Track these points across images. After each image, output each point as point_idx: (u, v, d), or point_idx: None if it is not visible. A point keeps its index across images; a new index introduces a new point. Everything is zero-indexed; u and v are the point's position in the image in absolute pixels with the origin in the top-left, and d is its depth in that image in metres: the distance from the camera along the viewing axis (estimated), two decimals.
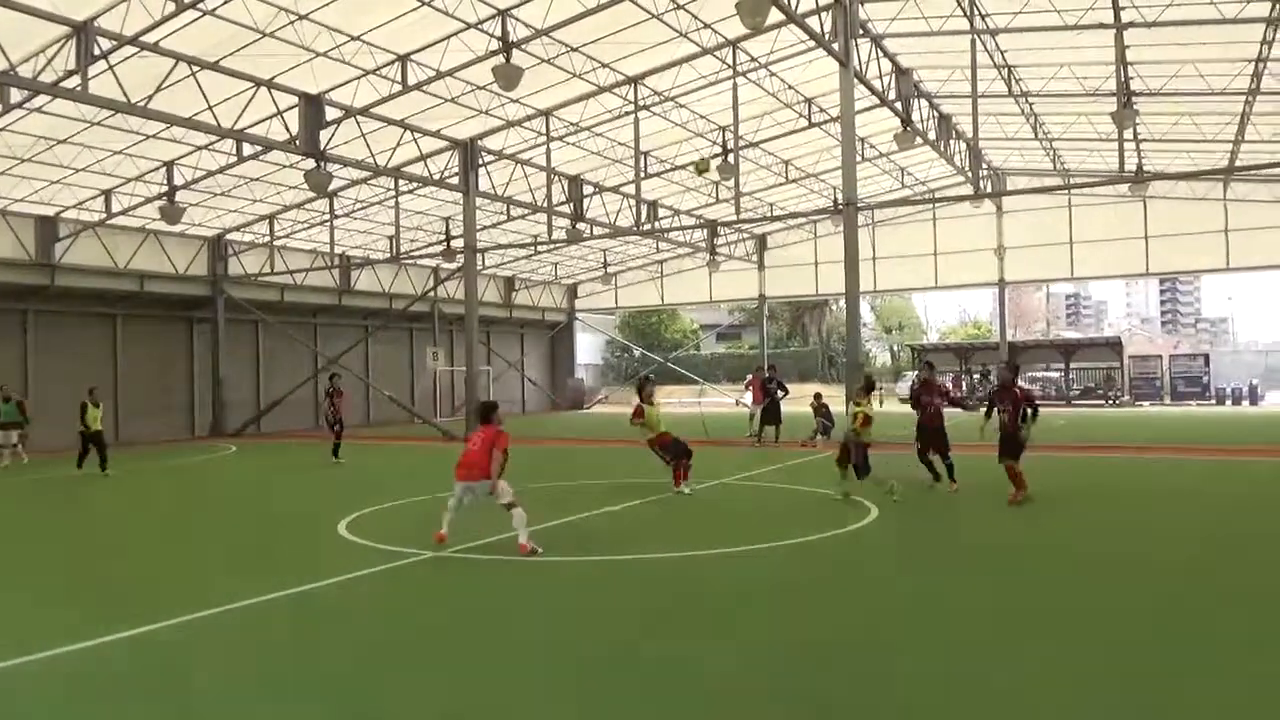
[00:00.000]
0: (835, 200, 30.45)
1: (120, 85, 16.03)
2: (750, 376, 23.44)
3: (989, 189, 32.78)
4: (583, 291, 46.27)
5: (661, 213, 32.93)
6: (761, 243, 41.23)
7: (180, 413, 29.56)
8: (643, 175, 26.43)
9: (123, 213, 25.27)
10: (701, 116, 25.10)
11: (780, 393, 21.63)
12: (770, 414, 21.14)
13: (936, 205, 36.40)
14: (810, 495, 12.77)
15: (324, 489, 15.53)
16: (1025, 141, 30.60)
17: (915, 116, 23.99)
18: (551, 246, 35.24)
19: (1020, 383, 11.96)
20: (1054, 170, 33.87)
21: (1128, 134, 24.18)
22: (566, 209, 28.24)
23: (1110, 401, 37.33)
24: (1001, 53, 22.51)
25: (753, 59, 21.92)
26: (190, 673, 5.70)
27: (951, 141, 28.21)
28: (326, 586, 7.85)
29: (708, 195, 32.36)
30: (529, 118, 23.61)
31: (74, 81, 15.51)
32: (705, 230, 35.31)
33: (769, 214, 34.82)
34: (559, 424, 32.68)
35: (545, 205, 26.57)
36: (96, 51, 15.48)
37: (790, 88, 24.19)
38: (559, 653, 5.90)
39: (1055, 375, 40.78)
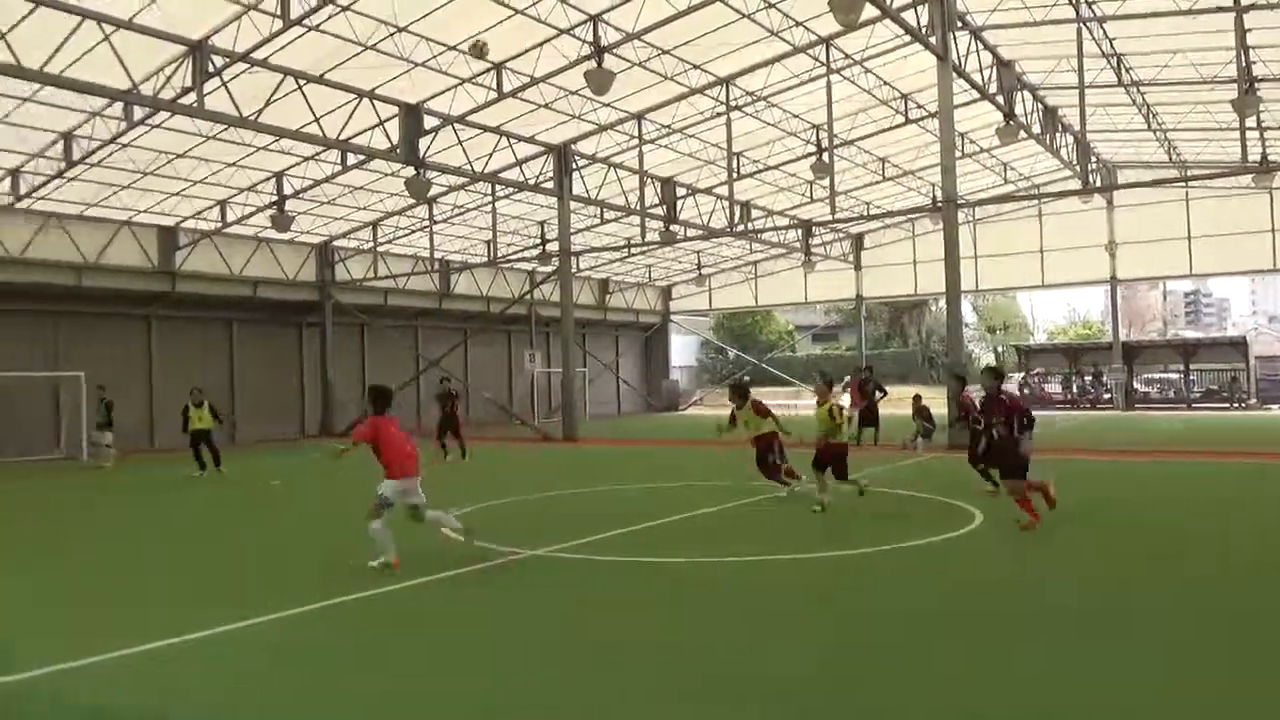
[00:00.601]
0: (934, 198, 29.67)
1: (233, 100, 16.85)
2: (848, 378, 23.05)
3: (1098, 183, 31.43)
4: (677, 293, 46.30)
5: (755, 213, 32.71)
6: (858, 242, 40.51)
7: (291, 413, 30.79)
8: (735, 176, 26.33)
9: (237, 222, 26.51)
10: (794, 115, 24.83)
11: (878, 394, 21.19)
12: (868, 416, 20.73)
13: (1042, 201, 35.12)
14: (910, 499, 12.47)
15: (426, 487, 15.90)
16: (1137, 133, 29.22)
17: (1018, 110, 23.20)
18: (645, 249, 35.38)
19: (1007, 389, 10.20)
20: (1169, 162, 32.23)
21: (1250, 122, 22.82)
22: (660, 211, 28.32)
23: (1236, 404, 35.30)
24: (1110, 40, 21.56)
25: (847, 56, 21.57)
26: (329, 652, 5.95)
27: (1057, 134, 27.16)
28: (430, 583, 8.05)
29: (802, 195, 31.99)
30: (621, 121, 23.78)
31: (191, 98, 16.36)
32: (799, 230, 34.89)
33: (865, 213, 34.20)
34: (654, 425, 32.78)
35: (638, 208, 26.70)
36: (211, 69, 16.30)
37: (886, 84, 23.72)
38: (662, 654, 5.91)
39: (1175, 377, 38.83)
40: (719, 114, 23.40)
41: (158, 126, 19.33)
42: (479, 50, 14.51)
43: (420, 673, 5.62)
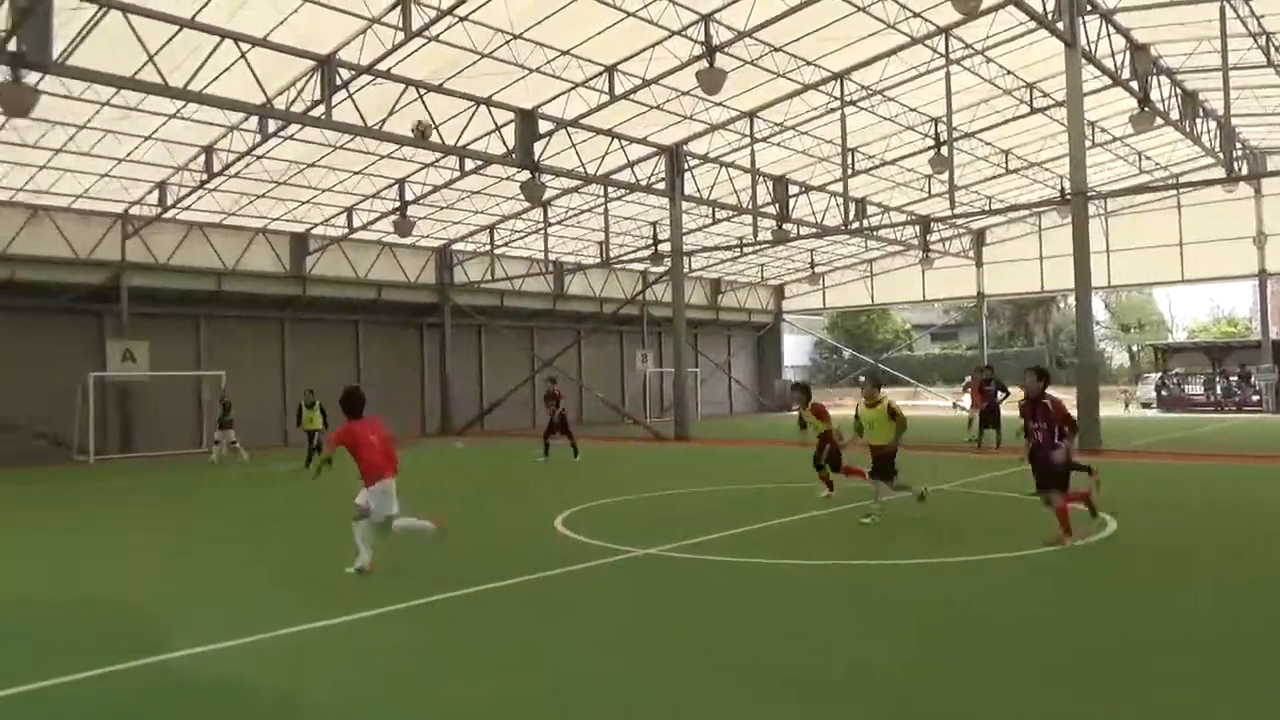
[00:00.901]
0: (1062, 190, 28.33)
1: (359, 111, 17.57)
2: (969, 378, 22.29)
3: (1244, 170, 29.42)
4: (790, 292, 45.75)
5: (870, 210, 32.00)
6: (979, 238, 39.10)
7: (413, 411, 31.85)
8: (850, 172, 25.82)
9: (362, 227, 27.61)
10: (911, 109, 24.17)
11: (1000, 395, 20.41)
12: (989, 418, 20.00)
13: (1181, 191, 33.11)
14: (1036, 504, 11.95)
15: (540, 484, 16.21)
16: None
17: (1154, 95, 21.96)
18: (757, 248, 35.09)
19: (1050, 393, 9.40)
20: None
21: None
22: (772, 210, 28.04)
23: None
24: (1257, 19, 20.13)
25: (967, 45, 20.84)
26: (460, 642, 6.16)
27: (1198, 120, 25.58)
28: (548, 578, 8.22)
29: (920, 190, 31.12)
30: (732, 120, 23.64)
31: (320, 110, 17.13)
32: (917, 227, 33.95)
33: (987, 207, 33.00)
34: (766, 425, 32.48)
35: (750, 207, 26.51)
36: (338, 81, 17.03)
37: (1009, 73, 22.81)
38: (766, 655, 5.85)
39: None
40: (832, 110, 22.99)
41: (289, 138, 20.33)
42: (421, 131, 13.91)
43: (529, 665, 5.71)
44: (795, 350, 51.42)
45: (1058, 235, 32.29)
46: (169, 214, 24.17)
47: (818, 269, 41.58)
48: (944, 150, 23.71)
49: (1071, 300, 27.19)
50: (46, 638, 6.80)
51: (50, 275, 23.43)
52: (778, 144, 25.40)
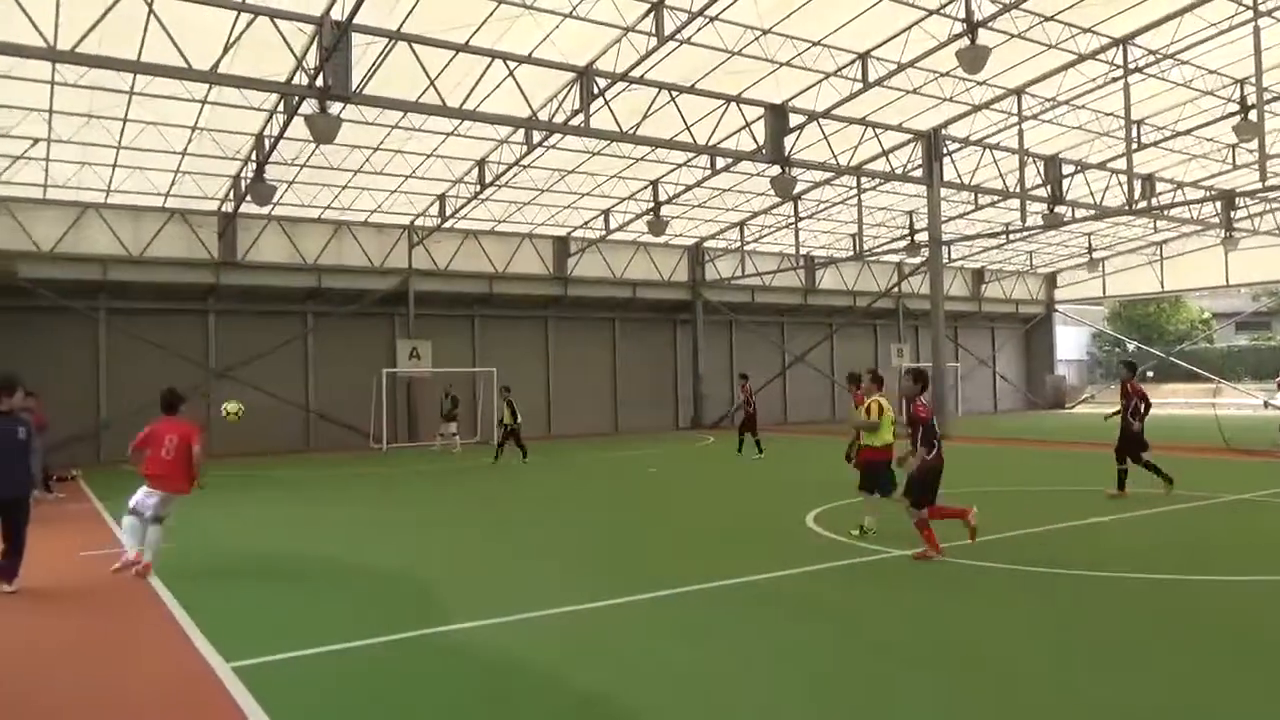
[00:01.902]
0: None
1: (614, 117, 18.25)
2: None
3: None
4: (1063, 280, 42.33)
5: (1160, 187, 28.85)
6: None
7: (666, 406, 32.71)
8: (1135, 147, 23.40)
9: (618, 229, 28.69)
10: (1210, 71, 21.47)
11: None
12: None
13: None
14: None
15: (791, 479, 16.06)
16: None
17: None
18: (1026, 234, 32.78)
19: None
20: None
21: None
22: (1043, 192, 26.05)
23: None
24: None
25: None
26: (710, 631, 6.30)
27: None
28: (798, 575, 8.20)
29: (1222, 162, 27.62)
30: (997, 99, 22.16)
31: (579, 119, 17.97)
32: (1219, 203, 30.16)
33: None
34: (1033, 424, 30.25)
35: (1018, 190, 24.75)
36: (595, 90, 17.78)
37: None
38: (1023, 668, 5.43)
39: None
40: (1114, 79, 20.91)
41: (552, 147, 21.50)
42: (233, 414, 11.02)
43: (783, 659, 5.64)
44: (1069, 343, 47.50)
45: None
46: (448, 224, 26.39)
47: (1096, 254, 38.13)
48: (1252, 115, 20.90)
49: None
50: (364, 601, 7.62)
51: (351, 283, 26.42)
52: (1049, 121, 23.52)
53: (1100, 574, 7.97)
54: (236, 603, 7.81)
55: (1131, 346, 46.95)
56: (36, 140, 18.68)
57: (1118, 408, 12.79)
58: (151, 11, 13.54)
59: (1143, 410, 12.47)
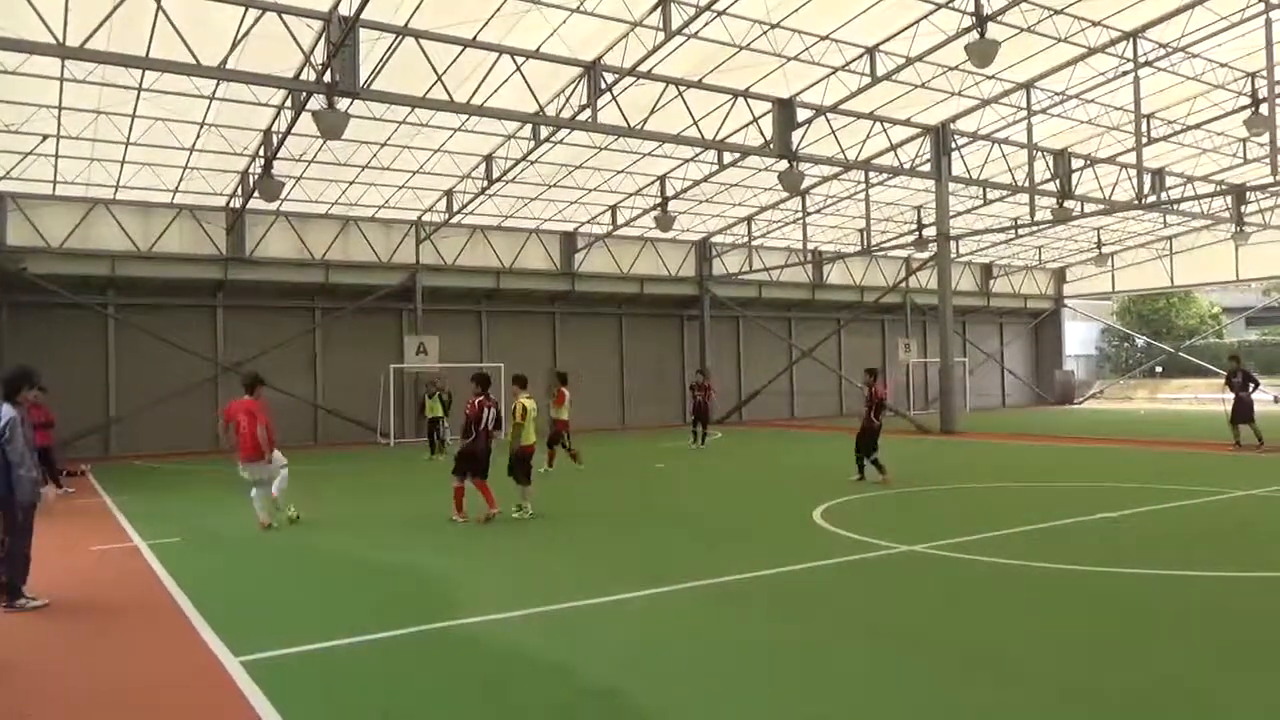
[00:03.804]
0: None
1: (622, 112, 18.23)
2: None
3: None
4: (1071, 275, 42.17)
5: (1170, 181, 28.71)
6: None
7: (673, 401, 32.68)
8: (1145, 141, 23.30)
9: (625, 224, 28.66)
10: (1222, 65, 21.34)
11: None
12: None
13: None
14: None
15: (795, 475, 16.06)
16: None
17: None
18: (1035, 229, 32.62)
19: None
20: None
21: None
22: (1052, 186, 25.93)
23: None
24: None
25: None
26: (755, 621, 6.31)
27: None
28: (810, 569, 8.21)
29: (1233, 156, 27.47)
30: (1006, 93, 22.06)
31: (586, 114, 17.94)
32: (1229, 197, 29.99)
33: None
34: (1042, 420, 30.16)
35: (1027, 185, 24.65)
36: (603, 85, 17.75)
37: None
38: (1025, 663, 5.42)
39: None
40: (1124, 73, 20.79)
41: (559, 143, 21.47)
42: None
43: (796, 656, 5.64)
44: (1078, 338, 47.29)
45: None
46: (455, 219, 26.38)
47: (1105, 249, 37.94)
48: (1263, 109, 20.78)
49: None
50: (370, 595, 7.64)
51: (358, 278, 26.45)
52: (1058, 115, 23.41)
53: (1120, 570, 7.95)
54: (244, 596, 7.85)
55: (1140, 341, 46.77)
56: (46, 136, 18.74)
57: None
58: (160, 7, 13.56)
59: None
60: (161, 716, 5.10)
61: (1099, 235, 37.00)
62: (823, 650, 5.99)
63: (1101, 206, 26.83)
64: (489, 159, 22.76)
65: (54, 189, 22.09)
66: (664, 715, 4.88)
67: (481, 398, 11.41)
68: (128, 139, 19.33)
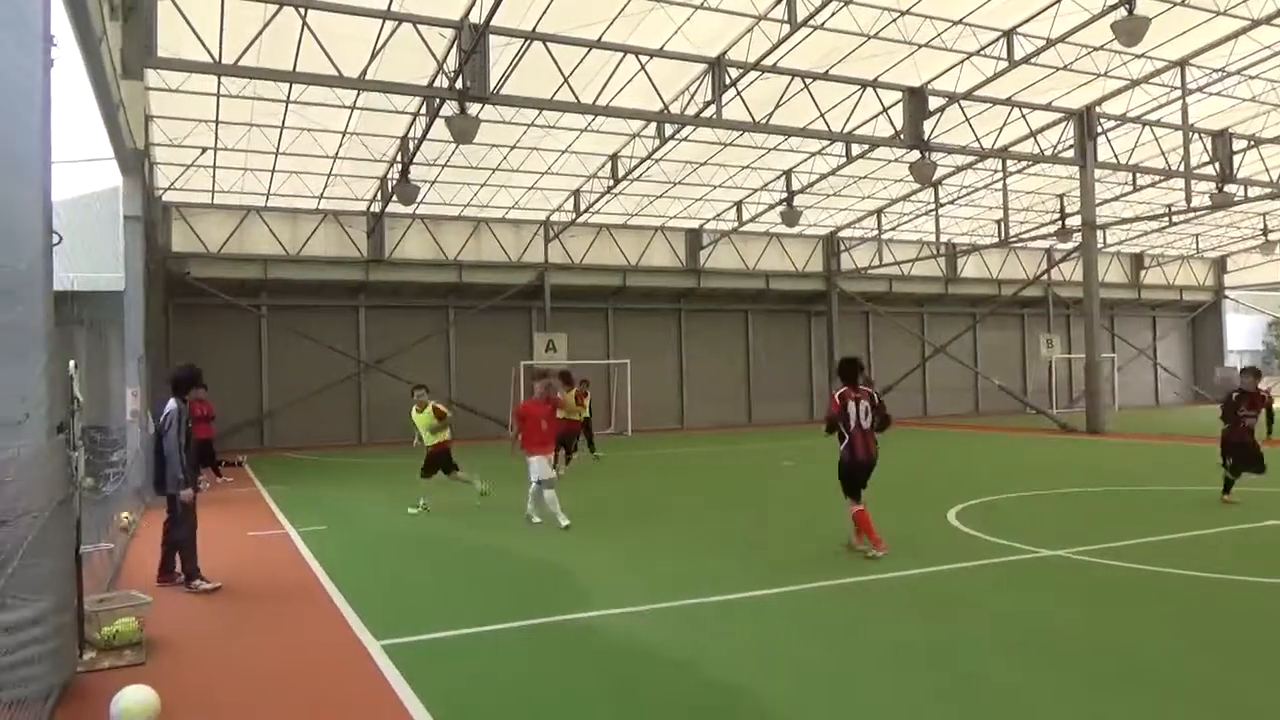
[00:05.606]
0: None
1: (746, 107, 18.11)
2: None
3: None
4: (1233, 265, 39.32)
5: None
6: None
7: (801, 398, 32.25)
8: None
9: (751, 220, 28.45)
10: None
11: None
12: None
13: None
14: None
15: (930, 474, 15.56)
16: None
17: None
18: (1191, 216, 30.58)
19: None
20: None
21: None
22: (1210, 170, 24.23)
23: None
24: None
25: None
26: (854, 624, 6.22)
27: None
28: (940, 572, 8.02)
29: None
30: (1158, 72, 20.74)
31: (711, 110, 17.90)
32: None
33: None
34: (1199, 419, 28.20)
35: (1182, 169, 23.11)
36: (727, 81, 17.66)
37: None
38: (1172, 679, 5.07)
39: None
40: None
41: (684, 140, 21.51)
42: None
43: (926, 658, 5.47)
44: (1243, 332, 44.04)
45: None
46: (582, 218, 26.80)
47: (1272, 236, 35.18)
48: None
49: None
50: (505, 585, 7.87)
51: (490, 278, 27.23)
52: (1218, 93, 21.84)
53: (1241, 578, 7.37)
54: (384, 583, 8.20)
55: None
56: (204, 149, 20.10)
57: None
58: (305, 24, 14.32)
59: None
60: (315, 699, 5.38)
61: (1265, 221, 34.34)
62: (962, 653, 5.79)
63: (1268, 190, 24.88)
64: (614, 158, 23.01)
65: (212, 198, 23.67)
66: (796, 715, 4.81)
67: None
68: (277, 149, 20.51)
